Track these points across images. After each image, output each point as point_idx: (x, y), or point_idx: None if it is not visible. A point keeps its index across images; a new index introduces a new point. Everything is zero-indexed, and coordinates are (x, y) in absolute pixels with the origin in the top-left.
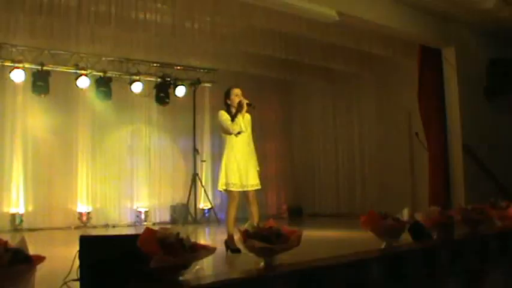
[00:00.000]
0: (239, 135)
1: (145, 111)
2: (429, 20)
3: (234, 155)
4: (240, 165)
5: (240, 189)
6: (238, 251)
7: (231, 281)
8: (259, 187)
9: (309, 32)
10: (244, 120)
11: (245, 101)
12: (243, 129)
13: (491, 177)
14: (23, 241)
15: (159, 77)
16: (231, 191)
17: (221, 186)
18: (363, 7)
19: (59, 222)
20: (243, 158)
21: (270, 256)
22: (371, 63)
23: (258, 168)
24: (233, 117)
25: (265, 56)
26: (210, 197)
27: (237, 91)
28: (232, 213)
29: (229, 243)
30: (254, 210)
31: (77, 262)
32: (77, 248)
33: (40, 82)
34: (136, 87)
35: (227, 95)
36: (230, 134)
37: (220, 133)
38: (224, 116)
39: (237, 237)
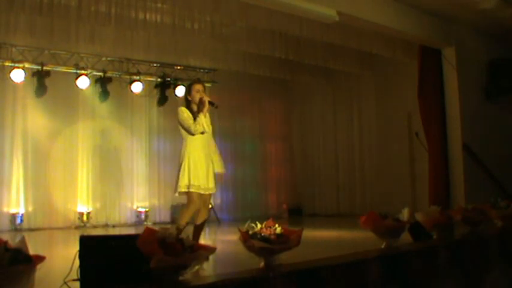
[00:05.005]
0: (200, 135)
1: (145, 111)
2: (429, 20)
3: (197, 155)
4: (202, 168)
5: (202, 192)
6: None
7: (231, 281)
8: (214, 192)
9: (309, 32)
10: (206, 119)
11: (207, 99)
12: (206, 129)
13: (491, 177)
14: (23, 241)
15: (159, 77)
16: (191, 193)
17: (182, 188)
18: (363, 7)
19: (59, 222)
20: (205, 160)
21: (270, 256)
22: (371, 63)
23: (223, 170)
24: (195, 116)
25: (265, 56)
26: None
27: (198, 87)
28: (188, 217)
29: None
30: (205, 212)
31: (77, 262)
32: (77, 248)
33: (40, 82)
34: (136, 87)
35: (188, 90)
36: (192, 134)
37: (181, 132)
38: (185, 113)
39: (237, 237)
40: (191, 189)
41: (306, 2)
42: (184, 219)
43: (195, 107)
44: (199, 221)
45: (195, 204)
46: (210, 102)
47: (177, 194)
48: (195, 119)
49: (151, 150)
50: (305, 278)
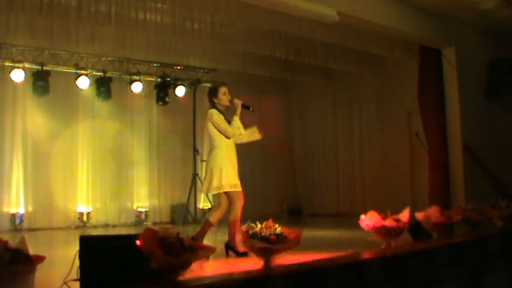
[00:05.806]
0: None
1: (145, 111)
2: (429, 20)
3: (233, 157)
4: (236, 168)
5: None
6: (246, 254)
7: (231, 281)
8: None
9: (309, 32)
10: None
11: (239, 102)
12: (243, 132)
13: (491, 177)
14: (23, 241)
15: (159, 77)
16: (237, 192)
17: (227, 188)
18: (363, 7)
19: (59, 222)
20: (236, 161)
21: (270, 256)
22: (371, 63)
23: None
24: (226, 119)
25: (265, 56)
26: (210, 197)
27: (224, 89)
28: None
29: (233, 246)
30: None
31: (77, 262)
32: (77, 248)
33: (40, 82)
34: (136, 87)
35: (214, 93)
36: (229, 137)
37: (211, 133)
38: (218, 116)
39: (238, 238)
40: (237, 189)
41: (306, 2)
42: (239, 214)
43: (222, 110)
44: (216, 220)
45: (242, 201)
46: (244, 106)
47: (213, 193)
48: (229, 122)
49: (151, 150)
50: (305, 278)
